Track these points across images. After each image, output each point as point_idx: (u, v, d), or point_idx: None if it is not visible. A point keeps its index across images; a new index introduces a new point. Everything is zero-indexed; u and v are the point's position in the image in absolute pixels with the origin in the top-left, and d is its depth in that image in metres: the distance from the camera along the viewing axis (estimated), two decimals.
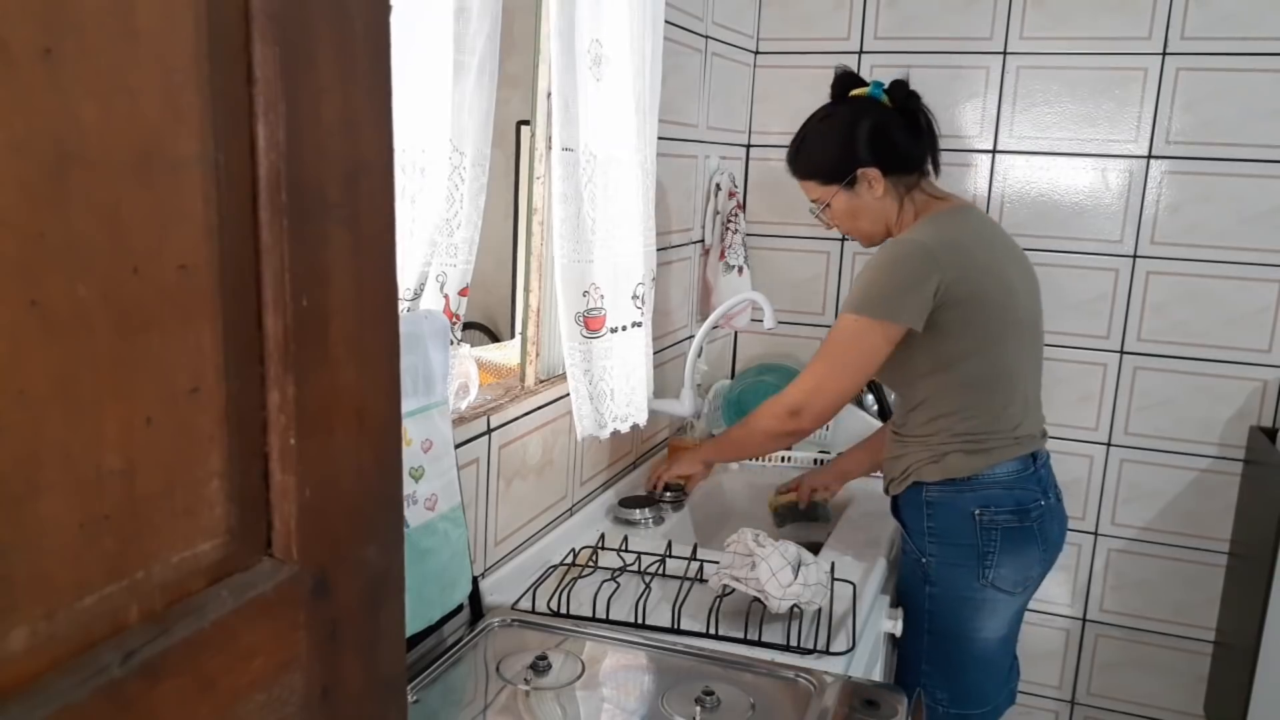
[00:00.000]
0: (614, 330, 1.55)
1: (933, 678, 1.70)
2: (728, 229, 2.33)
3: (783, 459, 2.23)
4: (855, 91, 1.70)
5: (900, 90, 1.68)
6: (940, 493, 1.65)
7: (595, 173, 1.47)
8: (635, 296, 1.60)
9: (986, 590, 1.65)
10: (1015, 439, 1.65)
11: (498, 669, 1.28)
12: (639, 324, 1.61)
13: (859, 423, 2.32)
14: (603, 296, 1.52)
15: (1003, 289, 1.62)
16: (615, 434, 1.58)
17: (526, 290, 1.63)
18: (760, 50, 2.55)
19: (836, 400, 1.65)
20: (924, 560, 1.67)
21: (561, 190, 1.41)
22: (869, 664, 1.55)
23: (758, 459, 2.23)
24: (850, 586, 1.55)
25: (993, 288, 1.60)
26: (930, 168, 1.72)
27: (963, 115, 2.40)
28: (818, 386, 1.64)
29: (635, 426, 1.60)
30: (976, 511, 1.62)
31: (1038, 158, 2.38)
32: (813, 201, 1.74)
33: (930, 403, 1.64)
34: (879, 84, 1.69)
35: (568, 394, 1.60)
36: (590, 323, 1.50)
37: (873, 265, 1.61)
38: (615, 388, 1.56)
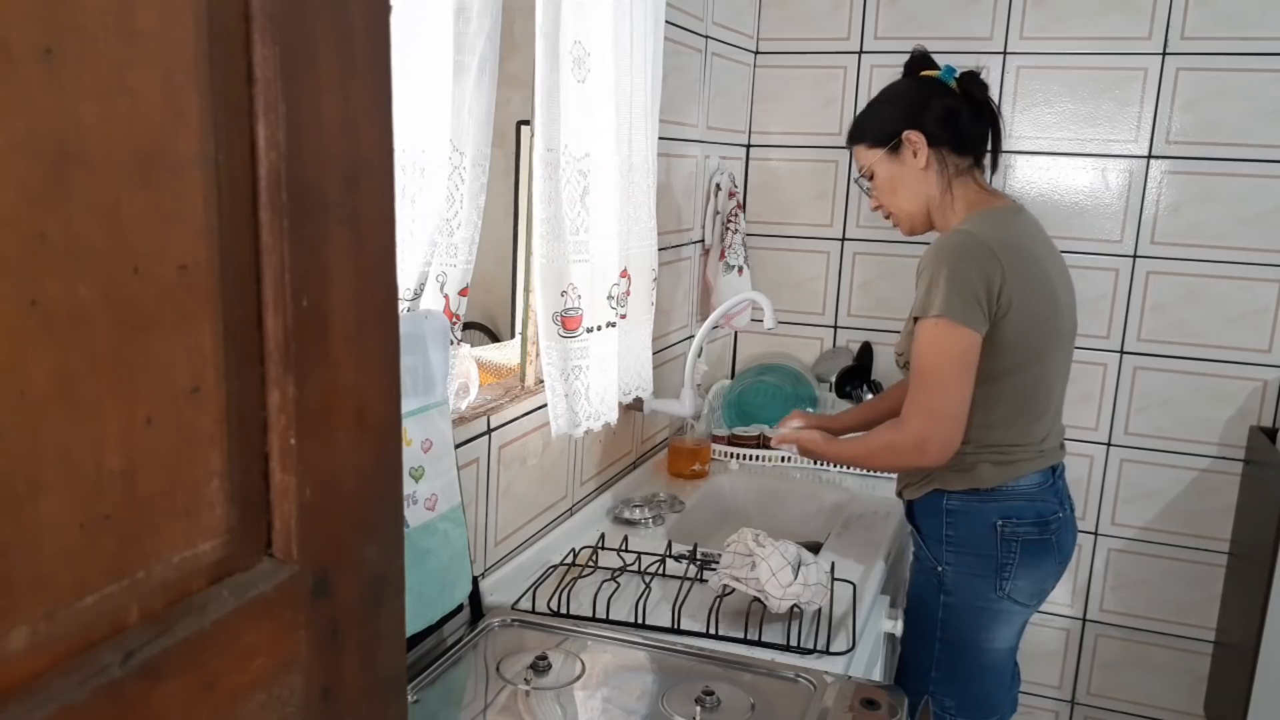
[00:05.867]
0: (590, 330, 1.56)
1: (942, 685, 1.69)
2: (728, 229, 2.33)
3: (783, 459, 2.23)
4: (926, 72, 1.68)
5: (969, 79, 1.65)
6: (963, 501, 1.62)
7: (575, 174, 1.48)
8: (610, 297, 1.61)
9: (1002, 602, 1.63)
10: (1041, 451, 1.62)
11: (498, 669, 1.28)
12: (613, 324, 1.62)
13: None
14: (580, 297, 1.52)
15: (1050, 299, 1.58)
16: (588, 432, 1.59)
17: (526, 290, 1.63)
18: (760, 50, 2.55)
19: (956, 418, 1.52)
20: (940, 569, 1.65)
21: (542, 190, 1.42)
22: (869, 664, 1.55)
23: (758, 459, 2.23)
24: (850, 586, 1.55)
25: (1042, 297, 1.56)
26: (988, 163, 1.68)
27: None
28: (931, 411, 1.52)
29: (606, 425, 1.61)
30: (999, 523, 1.60)
31: (1038, 158, 2.38)
32: (859, 171, 1.71)
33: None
34: (950, 69, 1.66)
35: None
36: (567, 322, 1.50)
37: (936, 262, 1.52)
38: (590, 386, 1.57)
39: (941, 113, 1.61)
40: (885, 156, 1.65)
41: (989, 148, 1.67)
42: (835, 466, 2.19)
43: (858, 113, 1.72)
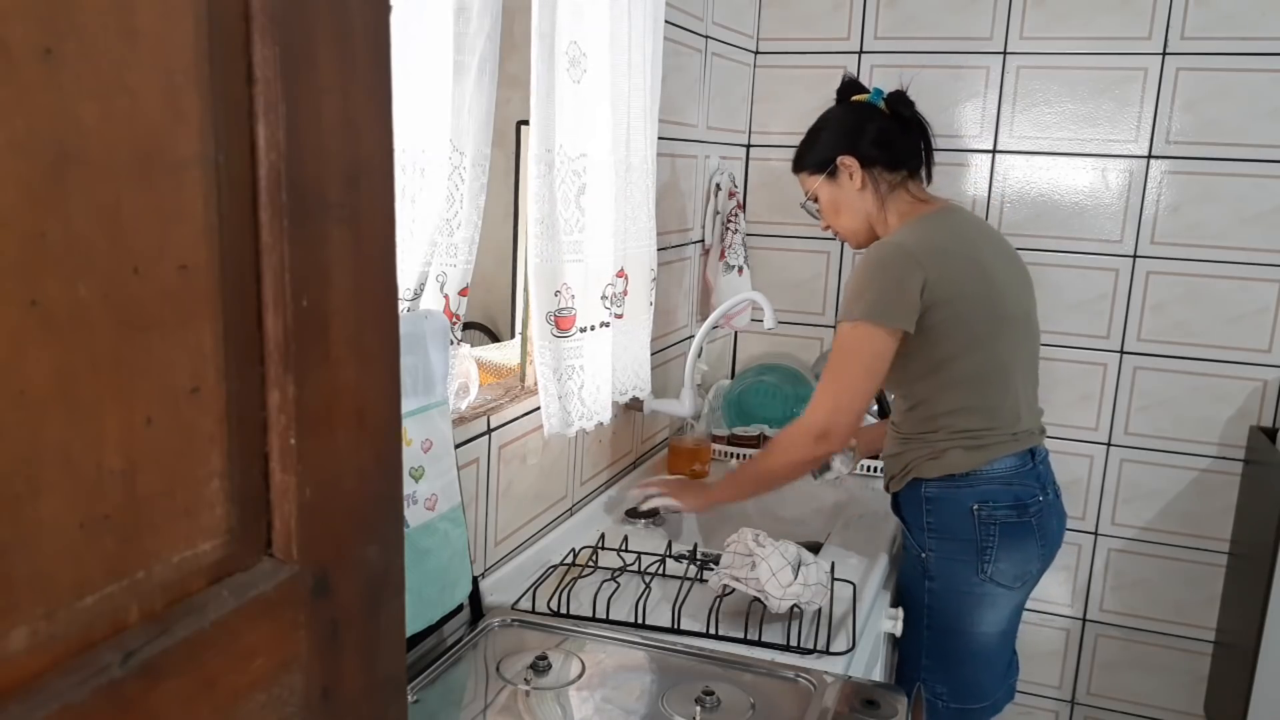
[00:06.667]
0: (583, 330, 1.56)
1: (933, 672, 1.72)
2: (728, 229, 2.33)
3: None
4: (856, 97, 1.78)
5: (895, 98, 1.75)
6: (939, 488, 1.66)
7: (570, 174, 1.48)
8: (604, 297, 1.61)
9: (985, 585, 1.66)
10: (1014, 435, 1.66)
11: (498, 669, 1.28)
12: (606, 324, 1.62)
13: None
14: (573, 296, 1.53)
15: (988, 286, 1.64)
16: (581, 432, 1.59)
17: (526, 290, 1.63)
18: (760, 50, 2.55)
19: (858, 414, 1.64)
20: (924, 555, 1.69)
21: (537, 190, 1.42)
22: (869, 664, 1.56)
23: None
24: (850, 586, 1.55)
25: (977, 286, 1.63)
26: (923, 173, 1.77)
27: (963, 115, 2.40)
28: (837, 404, 1.62)
29: (600, 424, 1.62)
30: (975, 507, 1.64)
31: (1038, 158, 2.38)
32: (805, 196, 1.81)
33: (928, 403, 1.66)
34: (879, 91, 1.76)
35: None
36: (561, 322, 1.51)
37: (858, 271, 1.64)
38: (583, 386, 1.58)
39: (873, 135, 1.72)
40: (825, 181, 1.76)
41: (922, 159, 1.76)
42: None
43: (801, 141, 1.81)
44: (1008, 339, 1.67)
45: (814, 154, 1.76)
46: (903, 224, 1.70)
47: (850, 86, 1.79)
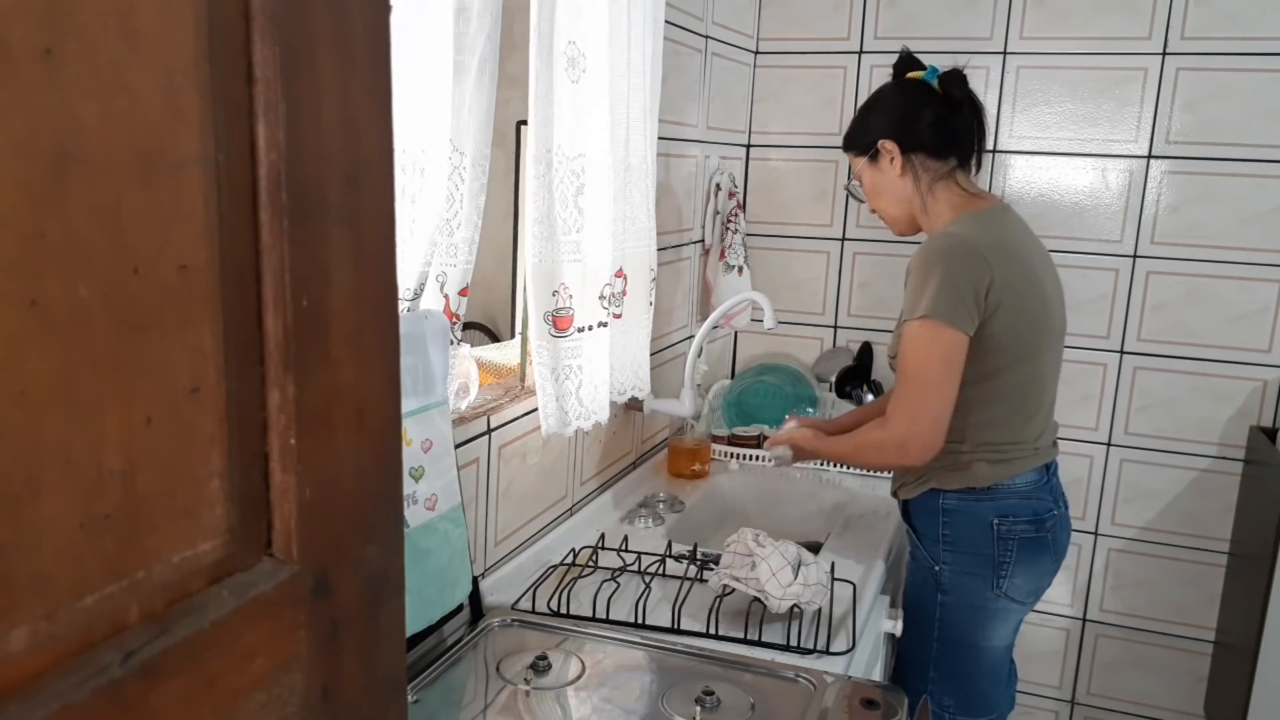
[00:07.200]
0: (581, 330, 1.56)
1: (940, 684, 1.69)
2: (728, 229, 2.33)
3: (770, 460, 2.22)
4: (911, 74, 1.69)
5: (949, 79, 1.65)
6: (959, 501, 1.62)
7: (568, 174, 1.48)
8: (602, 297, 1.61)
9: (1000, 600, 1.63)
10: (1036, 449, 1.63)
11: (498, 669, 1.28)
12: (604, 324, 1.62)
13: None
14: (571, 296, 1.53)
15: (1040, 297, 1.59)
16: (578, 431, 1.59)
17: (526, 290, 1.63)
18: (760, 50, 2.55)
19: (937, 419, 1.53)
20: (937, 568, 1.66)
21: (535, 190, 1.42)
22: (869, 664, 1.55)
23: (758, 459, 2.23)
24: (850, 586, 1.55)
25: (1032, 295, 1.57)
26: (972, 164, 1.68)
27: None
28: (914, 412, 1.53)
29: (597, 424, 1.62)
30: (995, 521, 1.60)
31: (1038, 158, 2.38)
32: (853, 175, 1.76)
33: (961, 413, 1.57)
34: (934, 69, 1.67)
35: None
36: (559, 322, 1.51)
37: (920, 264, 1.55)
38: (580, 386, 1.58)
39: (918, 120, 1.64)
40: (868, 164, 1.70)
41: (973, 147, 1.67)
42: (835, 466, 2.19)
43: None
44: (1047, 353, 1.62)
45: (858, 134, 1.70)
46: (957, 216, 1.62)
47: (906, 63, 1.70)
